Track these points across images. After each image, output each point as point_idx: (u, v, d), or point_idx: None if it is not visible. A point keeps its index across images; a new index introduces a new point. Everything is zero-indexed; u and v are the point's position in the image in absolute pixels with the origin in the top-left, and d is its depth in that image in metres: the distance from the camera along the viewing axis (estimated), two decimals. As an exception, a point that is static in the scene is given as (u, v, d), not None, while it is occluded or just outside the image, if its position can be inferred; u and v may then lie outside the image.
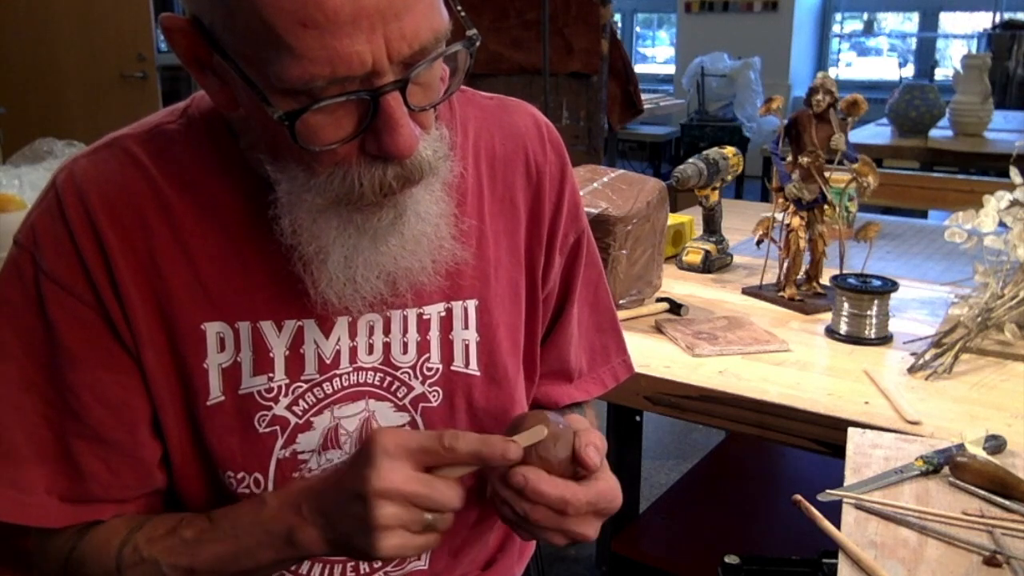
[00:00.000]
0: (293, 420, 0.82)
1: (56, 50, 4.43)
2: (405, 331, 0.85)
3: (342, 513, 0.72)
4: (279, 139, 0.69)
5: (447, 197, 0.77)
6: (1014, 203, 1.44)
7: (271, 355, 0.80)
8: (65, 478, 0.79)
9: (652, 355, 1.40)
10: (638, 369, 1.33)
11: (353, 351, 0.83)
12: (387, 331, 0.84)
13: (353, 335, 0.83)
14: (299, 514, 0.74)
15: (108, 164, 0.79)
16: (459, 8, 0.70)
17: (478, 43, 0.71)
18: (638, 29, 8.77)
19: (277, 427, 0.82)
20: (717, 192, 1.82)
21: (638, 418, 1.86)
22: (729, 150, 1.83)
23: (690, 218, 1.97)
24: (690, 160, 1.78)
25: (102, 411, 0.79)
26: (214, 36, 0.66)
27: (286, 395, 0.81)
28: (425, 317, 0.85)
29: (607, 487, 0.77)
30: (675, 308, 1.58)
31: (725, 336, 1.44)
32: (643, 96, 4.02)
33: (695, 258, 1.81)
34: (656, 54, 8.82)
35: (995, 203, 1.46)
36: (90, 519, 0.81)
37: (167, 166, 0.79)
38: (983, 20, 6.92)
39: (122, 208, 0.77)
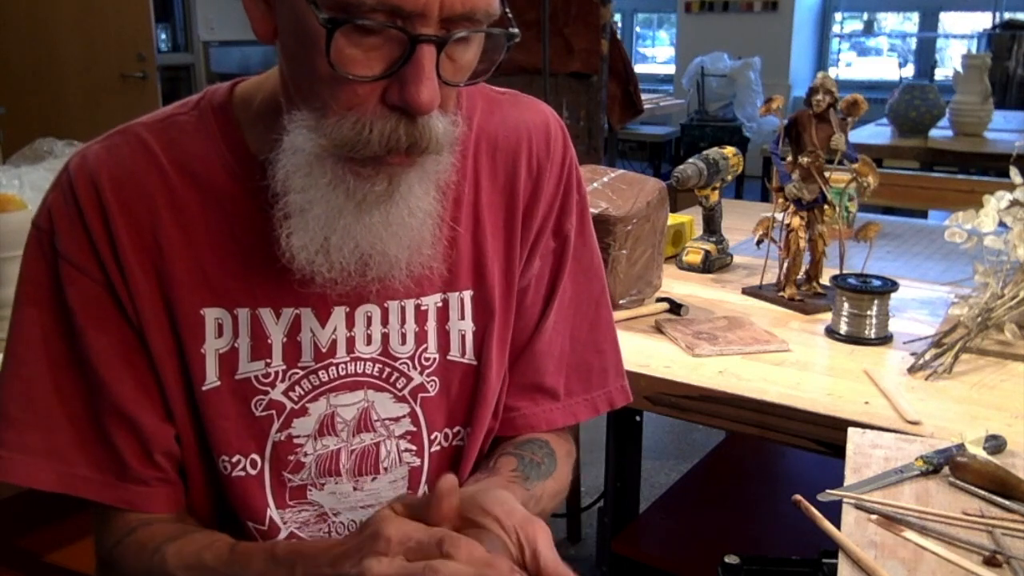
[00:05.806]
0: (289, 405, 0.84)
1: (56, 50, 4.44)
2: (403, 321, 0.86)
3: None
4: (305, 70, 0.70)
5: (438, 198, 0.77)
6: (1014, 203, 1.44)
7: (269, 341, 0.82)
8: (102, 450, 0.82)
9: (652, 355, 1.40)
10: (638, 369, 1.34)
11: (351, 341, 0.84)
12: (385, 322, 0.85)
13: (351, 325, 0.84)
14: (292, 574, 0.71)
15: (120, 150, 0.81)
16: (507, 10, 0.71)
17: (516, 40, 0.72)
18: (638, 29, 8.77)
19: (273, 411, 0.84)
20: (717, 192, 1.82)
21: (638, 418, 1.86)
22: (729, 150, 1.83)
23: (690, 218, 1.97)
24: (690, 160, 1.78)
25: (120, 387, 0.81)
26: None
27: (283, 380, 0.83)
28: (423, 308, 0.86)
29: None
30: (675, 308, 1.58)
31: (725, 336, 1.44)
32: (643, 96, 4.01)
33: (695, 258, 1.81)
34: (656, 54, 8.82)
35: (995, 203, 1.45)
36: (131, 500, 0.83)
37: (176, 154, 0.81)
38: (983, 20, 6.92)
39: (130, 191, 0.80)
